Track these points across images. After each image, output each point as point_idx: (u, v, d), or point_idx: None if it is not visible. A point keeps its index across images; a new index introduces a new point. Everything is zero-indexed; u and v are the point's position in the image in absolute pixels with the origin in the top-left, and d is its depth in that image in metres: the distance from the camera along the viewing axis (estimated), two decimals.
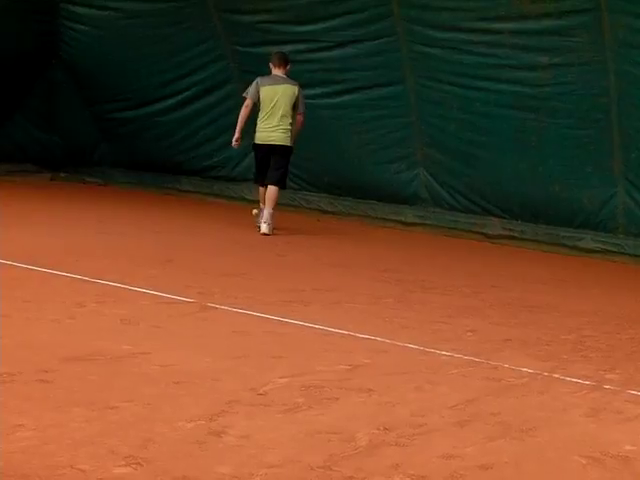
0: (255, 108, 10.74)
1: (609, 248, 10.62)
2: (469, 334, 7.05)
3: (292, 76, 12.25)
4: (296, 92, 10.76)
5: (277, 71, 10.82)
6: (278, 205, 12.62)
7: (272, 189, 10.66)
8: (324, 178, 12.41)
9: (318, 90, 12.10)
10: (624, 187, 10.43)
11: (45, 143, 14.42)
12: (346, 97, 11.94)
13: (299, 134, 10.81)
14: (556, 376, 6.10)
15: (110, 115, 13.84)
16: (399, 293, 8.30)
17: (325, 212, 12.34)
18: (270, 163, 10.65)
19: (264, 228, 10.59)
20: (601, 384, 5.97)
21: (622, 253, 10.51)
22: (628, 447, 4.91)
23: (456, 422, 5.14)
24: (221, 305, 7.35)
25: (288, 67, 10.85)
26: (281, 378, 5.65)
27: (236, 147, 11.05)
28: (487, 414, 5.29)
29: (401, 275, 9.08)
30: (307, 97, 12.18)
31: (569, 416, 5.39)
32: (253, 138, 10.75)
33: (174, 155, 13.43)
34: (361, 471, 4.38)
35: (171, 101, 13.24)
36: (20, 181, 13.55)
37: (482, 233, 11.30)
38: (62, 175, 14.31)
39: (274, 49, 12.19)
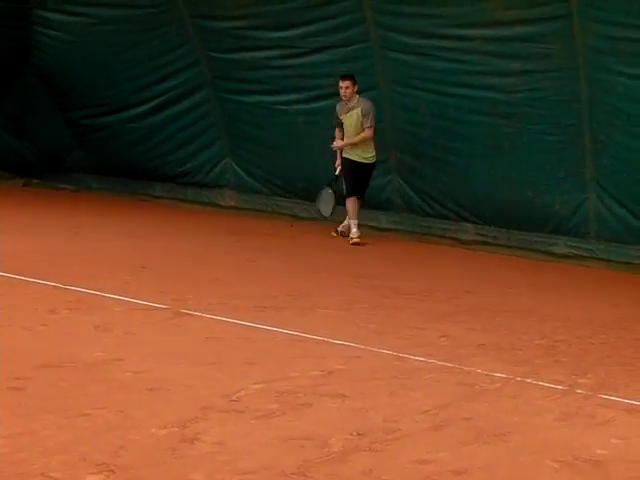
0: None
1: (581, 253, 10.67)
2: (443, 339, 7.07)
3: (268, 82, 12.26)
4: None
5: None
6: (253, 211, 12.66)
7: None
8: (298, 183, 12.41)
9: (292, 96, 12.11)
10: (596, 192, 10.49)
11: (17, 149, 14.34)
12: (320, 103, 11.95)
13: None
14: (529, 381, 6.13)
15: (83, 121, 13.79)
16: (373, 299, 8.32)
17: (299, 218, 12.34)
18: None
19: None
20: (573, 389, 6.01)
21: (594, 258, 10.56)
22: (600, 451, 4.94)
23: (429, 427, 5.15)
24: (195, 311, 7.34)
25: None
26: (255, 384, 5.65)
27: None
28: (460, 419, 5.31)
29: (375, 281, 9.09)
30: (281, 103, 12.23)
31: (541, 421, 5.42)
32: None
33: (148, 161, 13.39)
34: (334, 477, 4.39)
35: (145, 107, 13.21)
36: None
37: (455, 239, 11.33)
38: (35, 182, 14.23)
39: (248, 55, 12.22)
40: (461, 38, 10.76)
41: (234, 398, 5.39)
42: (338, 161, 11.24)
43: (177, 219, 12.23)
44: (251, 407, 5.26)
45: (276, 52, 12.05)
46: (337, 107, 11.06)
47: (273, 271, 9.33)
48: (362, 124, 10.94)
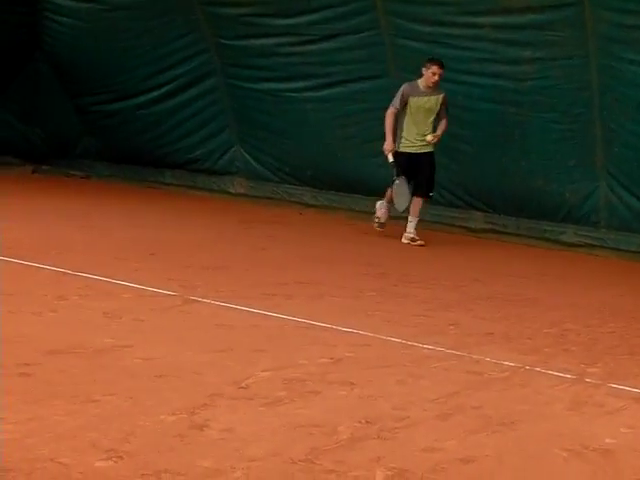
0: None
1: (591, 242, 10.65)
2: (451, 328, 7.07)
3: (277, 69, 12.23)
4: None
5: None
6: (262, 198, 12.65)
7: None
8: (307, 171, 12.40)
9: (301, 83, 12.09)
10: (606, 181, 10.46)
11: (27, 136, 14.35)
12: (329, 90, 11.93)
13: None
14: (538, 369, 6.12)
15: (93, 108, 13.79)
16: (382, 287, 8.31)
17: (308, 205, 12.34)
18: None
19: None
20: (582, 377, 6.00)
21: (604, 247, 10.54)
22: (609, 440, 4.94)
23: (438, 415, 5.15)
24: (204, 298, 7.35)
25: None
26: (263, 372, 5.65)
27: None
28: (469, 407, 5.31)
29: (384, 269, 9.08)
30: (290, 91, 12.20)
31: (550, 409, 5.41)
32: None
33: (157, 148, 13.39)
34: (343, 464, 4.39)
35: (154, 94, 13.20)
36: (1, 174, 13.48)
37: (465, 227, 11.32)
38: (44, 168, 14.25)
39: (257, 42, 12.20)
40: (471, 25, 10.73)
41: (243, 385, 5.39)
42: (391, 145, 10.35)
43: (186, 206, 12.24)
44: (260, 394, 5.26)
45: (285, 39, 12.02)
46: (406, 87, 10.37)
47: (282, 259, 9.33)
48: (439, 112, 10.40)
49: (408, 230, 10.36)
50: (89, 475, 4.06)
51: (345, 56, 11.61)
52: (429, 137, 10.31)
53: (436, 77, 10.22)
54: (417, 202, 10.35)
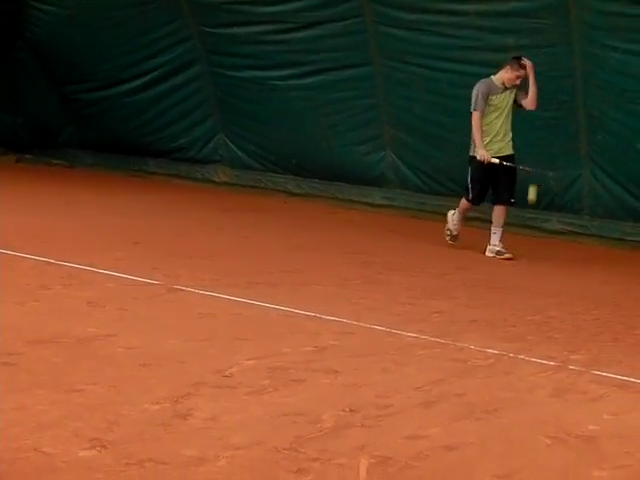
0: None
1: (575, 229, 10.67)
2: (435, 315, 7.08)
3: (261, 57, 12.17)
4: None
5: None
6: (246, 187, 12.61)
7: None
8: (292, 160, 12.38)
9: (285, 71, 12.06)
10: (590, 169, 10.48)
11: (10, 124, 14.28)
12: (313, 78, 11.91)
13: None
14: (521, 357, 6.14)
15: (76, 96, 13.73)
16: (366, 275, 8.32)
17: (292, 194, 12.32)
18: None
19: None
20: (566, 365, 6.02)
21: (588, 234, 10.57)
22: (592, 427, 4.95)
23: (422, 403, 5.16)
24: (187, 287, 7.34)
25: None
26: (247, 360, 5.65)
27: None
28: (453, 395, 5.32)
29: (368, 257, 9.09)
30: (274, 78, 12.16)
31: (534, 397, 5.43)
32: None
33: (141, 136, 13.35)
34: (327, 452, 4.39)
35: (138, 82, 13.15)
36: None
37: None
38: (27, 157, 14.19)
39: (241, 30, 12.16)
40: (454, 13, 10.71)
41: (227, 374, 5.39)
42: (487, 152, 9.32)
43: (170, 195, 12.21)
44: (243, 383, 5.26)
45: (269, 27, 11.99)
46: (483, 86, 9.36)
47: (266, 248, 9.32)
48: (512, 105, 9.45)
49: (493, 242, 9.36)
50: (73, 464, 4.06)
51: (329, 44, 11.58)
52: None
53: (519, 81, 9.35)
54: (500, 211, 9.41)
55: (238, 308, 6.90)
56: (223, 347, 5.92)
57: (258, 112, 12.43)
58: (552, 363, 6.02)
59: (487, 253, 9.39)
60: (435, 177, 11.42)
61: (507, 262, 9.24)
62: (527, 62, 9.34)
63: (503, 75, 9.38)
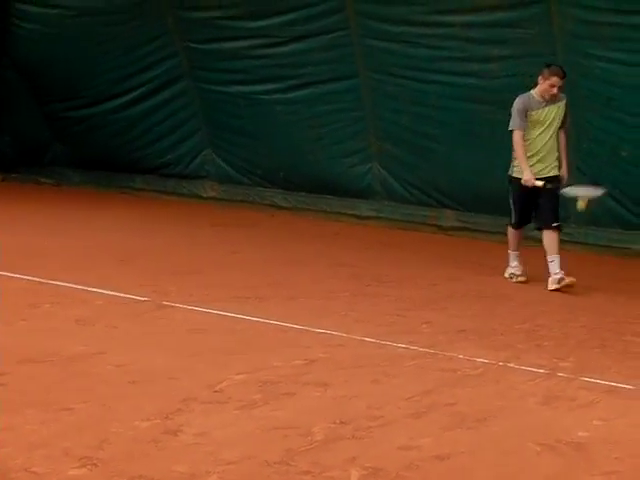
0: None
1: (562, 237, 10.67)
2: (424, 326, 7.09)
3: (248, 71, 12.19)
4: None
5: None
6: (234, 201, 12.61)
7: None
8: (279, 173, 12.39)
9: (271, 85, 12.07)
10: (575, 177, 10.50)
11: None
12: (300, 92, 11.93)
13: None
14: (511, 365, 6.16)
15: (63, 114, 13.72)
16: (355, 287, 8.33)
17: (280, 207, 12.33)
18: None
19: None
20: (555, 372, 6.04)
21: (574, 242, 10.58)
22: (581, 433, 4.97)
23: (412, 413, 5.17)
24: (176, 303, 7.34)
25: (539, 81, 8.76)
26: (237, 375, 5.66)
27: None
28: (443, 405, 5.33)
29: (356, 269, 9.10)
30: (261, 93, 12.17)
31: (524, 404, 5.44)
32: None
33: (128, 153, 13.35)
34: (318, 465, 4.40)
35: (124, 99, 13.15)
36: None
37: (436, 225, 11.34)
38: (14, 176, 14.15)
39: (227, 45, 12.18)
40: (440, 25, 10.75)
41: (217, 389, 5.40)
42: (531, 175, 8.57)
43: (158, 211, 12.20)
44: (234, 397, 5.26)
45: (255, 42, 12.01)
46: (521, 102, 8.63)
47: (255, 262, 9.32)
48: (561, 122, 8.77)
49: (553, 271, 8.52)
50: None
51: (315, 57, 11.61)
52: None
53: (555, 90, 8.58)
54: (551, 237, 8.63)
55: (228, 323, 6.91)
56: (213, 362, 5.93)
57: (245, 127, 12.45)
58: (541, 371, 6.04)
59: (550, 286, 8.45)
60: (422, 188, 11.45)
61: (495, 273, 9.19)
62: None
63: (539, 88, 8.65)
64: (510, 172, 8.83)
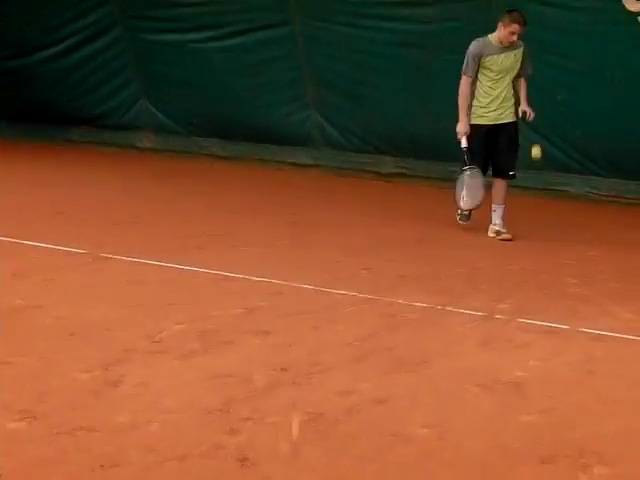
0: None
1: None
2: (364, 272, 7.13)
3: (181, 19, 12.02)
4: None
5: None
6: (171, 152, 12.51)
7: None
8: (216, 122, 12.29)
9: (205, 34, 11.93)
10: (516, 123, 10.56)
11: None
12: (235, 40, 11.81)
13: None
14: (449, 309, 6.22)
15: None
16: (294, 235, 8.33)
17: (218, 157, 12.25)
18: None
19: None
20: (492, 314, 6.11)
21: (513, 186, 10.63)
22: (518, 373, 5.06)
23: (352, 359, 5.21)
24: (114, 255, 7.29)
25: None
26: (177, 325, 5.65)
27: None
28: (382, 349, 5.38)
29: (296, 217, 9.10)
30: (195, 41, 12.03)
31: (462, 347, 5.51)
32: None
33: (62, 105, 13.14)
34: (258, 412, 4.43)
35: (55, 49, 12.92)
36: None
37: (375, 172, 11.35)
38: None
39: None
40: None
41: (156, 339, 5.39)
42: (466, 126, 8.37)
43: (95, 163, 12.05)
44: (174, 347, 5.26)
45: None
46: (476, 47, 8.39)
47: (193, 212, 9.27)
48: (519, 70, 8.48)
49: (494, 221, 8.46)
50: (2, 437, 4.04)
51: (249, 4, 11.48)
52: (526, 116, 8.42)
53: (514, 37, 8.29)
54: (500, 185, 8.49)
55: (167, 273, 6.88)
56: (152, 313, 5.91)
57: (180, 76, 12.30)
58: (479, 313, 6.11)
59: (489, 233, 8.43)
60: (360, 135, 11.44)
61: (433, 218, 9.24)
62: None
63: (498, 34, 8.36)
64: (470, 119, 8.45)
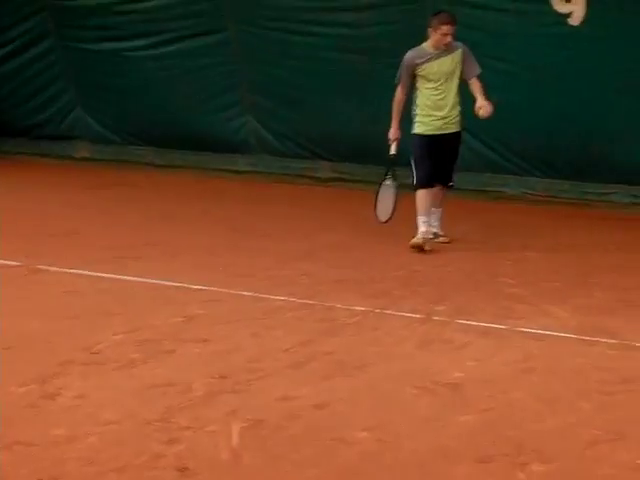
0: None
1: None
2: (303, 278, 7.14)
3: (114, 28, 11.93)
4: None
5: None
6: (107, 161, 12.40)
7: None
8: (153, 131, 12.23)
9: (139, 42, 11.87)
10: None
11: None
12: (170, 47, 11.76)
13: None
14: (388, 312, 6.26)
15: None
16: (232, 242, 8.32)
17: (155, 166, 12.17)
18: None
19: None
20: (430, 316, 6.16)
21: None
22: (457, 374, 5.10)
23: (292, 364, 5.22)
24: (50, 267, 7.22)
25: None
26: (115, 335, 5.62)
27: None
28: (322, 354, 5.40)
29: (234, 224, 9.09)
30: (129, 49, 11.95)
31: (401, 349, 5.55)
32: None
33: None
34: (198, 420, 4.42)
35: None
36: None
37: (313, 177, 11.37)
38: None
39: (93, 2, 11.90)
40: None
41: (94, 350, 5.36)
42: (396, 132, 8.37)
43: (30, 175, 11.92)
44: (112, 358, 5.23)
45: None
46: (409, 55, 8.26)
47: (130, 222, 9.21)
48: (461, 73, 8.23)
49: (432, 223, 8.35)
50: None
51: (184, 11, 11.46)
52: (482, 111, 8.10)
53: (448, 38, 8.10)
54: (439, 192, 8.40)
55: (104, 284, 6.83)
56: (90, 324, 5.87)
57: (115, 84, 12.21)
58: (417, 316, 6.16)
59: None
60: (296, 140, 11.45)
61: (370, 223, 9.24)
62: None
63: (431, 40, 8.21)
64: (412, 130, 8.36)
